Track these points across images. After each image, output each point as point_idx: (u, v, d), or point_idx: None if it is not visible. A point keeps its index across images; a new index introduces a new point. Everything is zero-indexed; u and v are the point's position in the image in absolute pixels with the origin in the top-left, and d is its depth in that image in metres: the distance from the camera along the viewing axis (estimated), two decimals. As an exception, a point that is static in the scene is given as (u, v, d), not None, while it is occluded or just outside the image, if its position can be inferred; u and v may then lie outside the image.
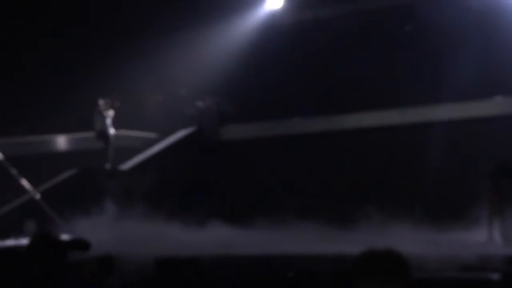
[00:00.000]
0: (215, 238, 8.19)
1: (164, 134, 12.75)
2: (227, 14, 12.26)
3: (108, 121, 10.87)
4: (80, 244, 3.67)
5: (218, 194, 11.33)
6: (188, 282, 4.22)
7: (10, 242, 7.58)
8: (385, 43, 12.04)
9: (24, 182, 9.90)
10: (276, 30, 12.89)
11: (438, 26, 11.25)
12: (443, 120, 10.72)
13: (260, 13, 13.11)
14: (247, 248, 7.30)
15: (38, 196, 9.85)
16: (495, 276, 4.25)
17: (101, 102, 10.85)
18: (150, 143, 12.60)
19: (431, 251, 5.96)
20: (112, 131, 10.93)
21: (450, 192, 9.58)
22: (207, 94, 12.90)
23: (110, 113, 10.88)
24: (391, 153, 10.91)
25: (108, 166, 10.96)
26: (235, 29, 12.67)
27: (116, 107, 11.01)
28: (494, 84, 11.11)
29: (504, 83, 11.05)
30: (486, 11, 11.51)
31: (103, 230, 7.86)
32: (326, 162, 11.22)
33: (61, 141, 11.86)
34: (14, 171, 9.88)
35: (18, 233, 7.64)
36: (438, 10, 11.49)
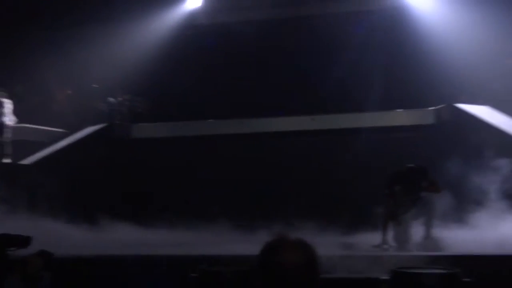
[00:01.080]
0: (119, 238, 8.09)
1: (73, 129, 12.38)
2: (145, 9, 12.18)
3: (5, 112, 10.37)
4: (20, 240, 3.59)
5: (126, 193, 11.15)
6: (87, 282, 4.16)
7: None
8: (298, 51, 12.49)
9: None
10: (194, 30, 12.96)
11: (346, 39, 11.92)
12: (350, 128, 11.35)
13: (179, 12, 13.06)
14: (151, 248, 7.26)
15: None
16: (383, 277, 4.60)
17: None
18: (57, 138, 12.17)
19: (329, 252, 6.28)
20: (10, 123, 10.43)
21: (355, 196, 10.05)
22: (119, 90, 12.70)
23: (8, 104, 10.39)
24: (300, 158, 11.32)
25: (4, 160, 10.48)
26: (152, 26, 12.59)
27: (18, 95, 10.53)
28: (397, 97, 11.96)
29: (406, 97, 11.95)
30: (392, 28, 12.38)
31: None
32: (238, 165, 11.36)
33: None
34: None
35: None
36: (347, 25, 12.22)
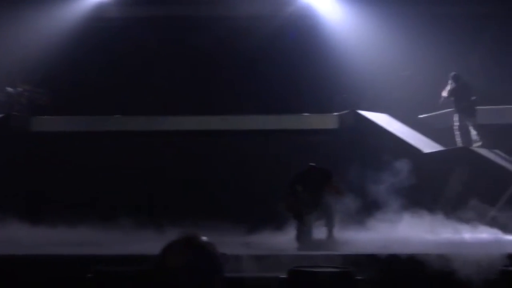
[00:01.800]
0: (11, 237, 7.70)
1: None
2: None
3: None
4: None
5: (22, 189, 10.70)
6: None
7: None
8: (205, 51, 12.59)
9: None
10: (102, 23, 12.62)
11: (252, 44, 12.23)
12: (260, 129, 11.59)
13: (87, 2, 12.69)
14: (47, 248, 7.02)
15: None
16: (282, 275, 4.75)
17: None
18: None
19: (235, 252, 6.38)
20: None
21: (262, 196, 10.29)
22: (19, 80, 12.05)
23: None
24: (209, 157, 11.42)
25: None
26: (59, 15, 12.11)
27: None
28: (304, 102, 12.43)
29: (313, 102, 12.41)
30: (298, 34, 12.82)
31: None
32: (146, 162, 11.29)
33: None
34: None
35: None
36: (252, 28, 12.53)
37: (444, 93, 11.13)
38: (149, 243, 6.99)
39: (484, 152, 10.70)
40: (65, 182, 10.77)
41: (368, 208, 8.93)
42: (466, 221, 8.61)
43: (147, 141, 11.67)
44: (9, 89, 11.90)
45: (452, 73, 11.06)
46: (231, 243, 7.19)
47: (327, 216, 8.29)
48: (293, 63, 12.66)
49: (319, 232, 8.34)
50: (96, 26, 12.62)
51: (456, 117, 11.08)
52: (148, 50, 12.72)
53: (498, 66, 11.39)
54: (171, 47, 12.72)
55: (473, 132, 10.90)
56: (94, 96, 12.35)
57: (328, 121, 12.32)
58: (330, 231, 8.20)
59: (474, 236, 8.06)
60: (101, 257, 5.72)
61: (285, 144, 11.17)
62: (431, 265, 5.57)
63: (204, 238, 1.79)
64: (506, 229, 8.78)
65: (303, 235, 8.14)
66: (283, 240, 8.24)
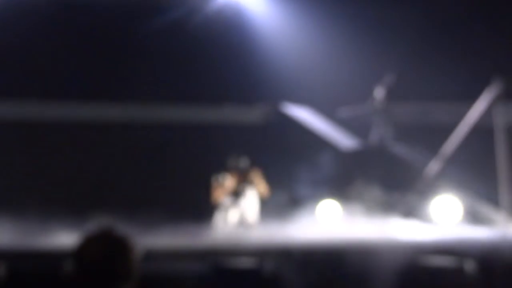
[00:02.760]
0: None
1: None
2: None
3: None
4: None
5: None
6: None
7: None
8: (114, 39, 12.33)
9: None
10: None
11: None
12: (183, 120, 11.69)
13: None
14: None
15: None
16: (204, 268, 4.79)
17: None
18: None
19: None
20: None
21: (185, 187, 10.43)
22: None
23: None
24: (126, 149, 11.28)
25: None
26: None
27: None
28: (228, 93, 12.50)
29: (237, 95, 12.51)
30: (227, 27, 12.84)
31: None
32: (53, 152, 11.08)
33: None
34: None
35: None
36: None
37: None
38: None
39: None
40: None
41: (292, 203, 9.24)
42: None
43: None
44: None
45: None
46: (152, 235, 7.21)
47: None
48: (218, 54, 12.62)
49: (240, 224, 8.59)
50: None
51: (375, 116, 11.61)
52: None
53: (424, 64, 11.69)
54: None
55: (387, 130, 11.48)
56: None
57: (252, 114, 12.53)
58: (248, 223, 8.48)
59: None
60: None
61: (211, 137, 11.30)
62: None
63: (120, 232, 1.80)
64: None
65: (224, 226, 8.37)
66: (205, 231, 8.37)
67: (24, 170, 10.80)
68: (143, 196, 10.31)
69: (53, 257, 5.12)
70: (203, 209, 9.17)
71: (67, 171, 10.88)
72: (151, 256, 5.64)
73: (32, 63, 11.86)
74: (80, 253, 1.73)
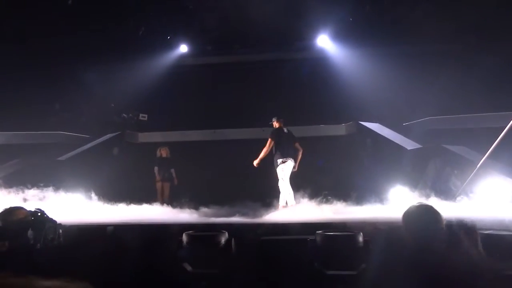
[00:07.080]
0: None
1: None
2: (151, 52, 14.64)
3: None
4: None
5: (132, 185, 11.99)
6: None
7: None
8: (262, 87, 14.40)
9: None
10: (181, 69, 14.98)
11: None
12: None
13: (173, 55, 15.12)
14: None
15: None
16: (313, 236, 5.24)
17: None
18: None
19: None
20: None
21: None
22: (130, 108, 14.26)
23: None
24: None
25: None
26: (155, 64, 14.64)
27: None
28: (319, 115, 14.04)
29: (325, 116, 14.04)
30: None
31: None
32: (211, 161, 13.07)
33: None
34: None
35: None
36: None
37: None
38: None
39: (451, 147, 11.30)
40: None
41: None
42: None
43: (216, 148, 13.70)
44: (123, 115, 14.56)
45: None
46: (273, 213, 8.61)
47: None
48: (311, 87, 14.32)
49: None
50: (177, 71, 14.83)
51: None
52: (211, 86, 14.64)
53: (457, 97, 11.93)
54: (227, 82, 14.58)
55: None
56: (179, 116, 14.48)
57: (337, 130, 14.09)
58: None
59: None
60: None
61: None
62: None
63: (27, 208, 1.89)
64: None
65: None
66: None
67: (203, 174, 12.65)
68: (268, 189, 10.59)
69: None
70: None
71: (226, 175, 12.64)
72: (270, 227, 6.67)
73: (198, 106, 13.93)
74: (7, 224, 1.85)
